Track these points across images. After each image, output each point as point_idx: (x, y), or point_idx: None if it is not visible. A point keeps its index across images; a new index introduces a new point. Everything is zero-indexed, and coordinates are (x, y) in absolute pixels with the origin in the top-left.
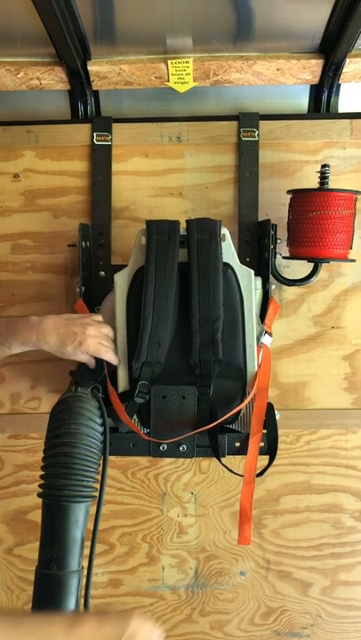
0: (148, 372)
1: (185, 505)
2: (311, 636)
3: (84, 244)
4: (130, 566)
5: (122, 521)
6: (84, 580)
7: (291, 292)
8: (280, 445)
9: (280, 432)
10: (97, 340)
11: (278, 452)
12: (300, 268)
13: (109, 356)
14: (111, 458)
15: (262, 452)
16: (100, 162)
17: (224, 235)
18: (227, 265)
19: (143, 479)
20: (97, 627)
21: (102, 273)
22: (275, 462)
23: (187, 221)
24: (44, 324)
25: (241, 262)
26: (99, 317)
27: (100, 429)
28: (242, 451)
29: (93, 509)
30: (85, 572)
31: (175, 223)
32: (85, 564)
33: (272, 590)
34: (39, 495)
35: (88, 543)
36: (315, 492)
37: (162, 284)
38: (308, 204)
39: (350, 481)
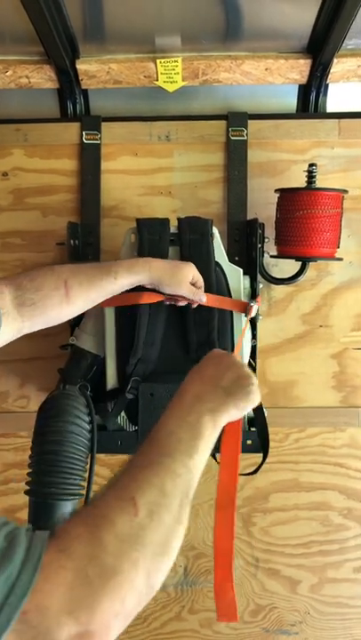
0: (142, 368)
1: None
2: (300, 633)
3: (72, 242)
4: None
5: None
6: None
7: (279, 290)
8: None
9: (269, 430)
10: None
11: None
12: (288, 267)
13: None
14: (100, 456)
15: (253, 449)
16: (90, 160)
17: (213, 234)
18: (216, 263)
19: None
20: None
21: None
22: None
23: (178, 220)
24: (149, 257)
25: (230, 261)
26: None
27: (88, 427)
28: None
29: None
30: None
31: (165, 222)
32: None
33: (261, 588)
34: (26, 493)
35: None
36: (303, 490)
37: None
38: (296, 203)
39: (338, 479)
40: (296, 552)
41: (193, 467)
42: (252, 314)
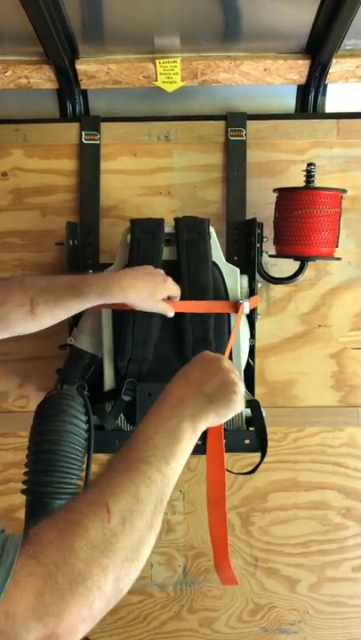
0: (135, 369)
1: (173, 502)
2: (299, 632)
3: (71, 242)
4: None
5: None
6: None
7: (278, 290)
8: (268, 443)
9: (268, 430)
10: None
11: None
12: (287, 267)
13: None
14: (98, 455)
15: (252, 449)
16: (89, 160)
17: (210, 233)
18: (213, 263)
19: None
20: None
21: (90, 271)
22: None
23: (175, 220)
24: (120, 273)
25: (229, 261)
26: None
27: (85, 427)
28: (228, 448)
29: None
30: None
31: (159, 221)
32: None
33: (260, 587)
34: (23, 492)
35: None
36: (302, 490)
37: None
38: (294, 203)
39: (337, 478)
40: (295, 551)
41: (169, 473)
42: (244, 312)
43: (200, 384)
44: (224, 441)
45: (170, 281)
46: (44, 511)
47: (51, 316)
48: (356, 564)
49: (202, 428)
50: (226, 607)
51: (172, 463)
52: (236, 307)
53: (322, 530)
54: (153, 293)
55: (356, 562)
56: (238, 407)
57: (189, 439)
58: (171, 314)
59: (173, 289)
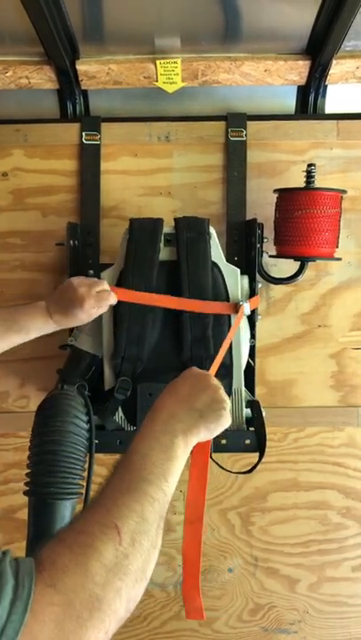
0: (129, 368)
1: (173, 503)
2: (299, 631)
3: (72, 242)
4: None
5: None
6: None
7: (278, 290)
8: (268, 443)
9: (268, 430)
10: (91, 291)
11: (266, 449)
12: (287, 267)
13: (110, 301)
14: (99, 455)
15: (250, 449)
16: (89, 161)
17: (210, 233)
18: (213, 263)
19: None
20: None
21: (91, 272)
22: (263, 460)
23: (175, 220)
24: (49, 305)
25: (229, 261)
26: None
27: (87, 427)
28: (229, 448)
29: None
30: None
31: (158, 221)
32: None
33: (260, 587)
34: (25, 493)
35: None
36: (302, 490)
37: (139, 281)
38: (294, 203)
39: (337, 478)
40: (295, 551)
41: (167, 489)
42: (245, 313)
43: (191, 399)
44: (210, 458)
45: (82, 286)
46: (47, 512)
47: None
48: (355, 564)
49: (193, 442)
50: (226, 607)
51: (170, 479)
52: (236, 308)
53: (322, 530)
54: (69, 315)
55: (356, 561)
56: (226, 423)
57: (182, 454)
58: (113, 300)
59: (87, 290)
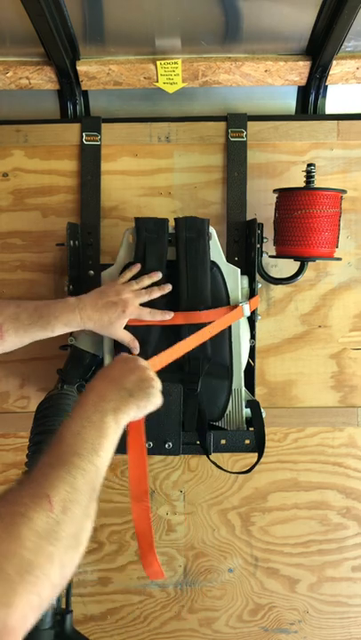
0: None
1: (174, 503)
2: (299, 631)
3: (72, 243)
4: (119, 564)
5: (111, 519)
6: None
7: (278, 290)
8: (268, 443)
9: (268, 430)
10: (136, 300)
11: (266, 449)
12: (287, 267)
13: (151, 317)
14: None
15: (250, 449)
16: (90, 161)
17: (210, 233)
18: (213, 263)
19: None
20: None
21: (91, 272)
22: (263, 460)
23: (175, 220)
24: (82, 303)
25: (229, 261)
26: (125, 278)
27: None
28: (229, 448)
29: None
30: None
31: (163, 221)
32: None
33: (260, 587)
34: None
35: None
36: (302, 490)
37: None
38: (294, 203)
39: (337, 478)
40: (295, 551)
41: (99, 463)
42: (244, 314)
43: (120, 380)
44: (145, 443)
45: (131, 307)
46: None
47: (18, 343)
48: (355, 564)
49: (125, 420)
50: (226, 607)
51: (101, 454)
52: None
53: (322, 530)
54: (110, 324)
55: (356, 561)
56: (157, 401)
57: (114, 431)
58: (127, 340)
59: (135, 313)
